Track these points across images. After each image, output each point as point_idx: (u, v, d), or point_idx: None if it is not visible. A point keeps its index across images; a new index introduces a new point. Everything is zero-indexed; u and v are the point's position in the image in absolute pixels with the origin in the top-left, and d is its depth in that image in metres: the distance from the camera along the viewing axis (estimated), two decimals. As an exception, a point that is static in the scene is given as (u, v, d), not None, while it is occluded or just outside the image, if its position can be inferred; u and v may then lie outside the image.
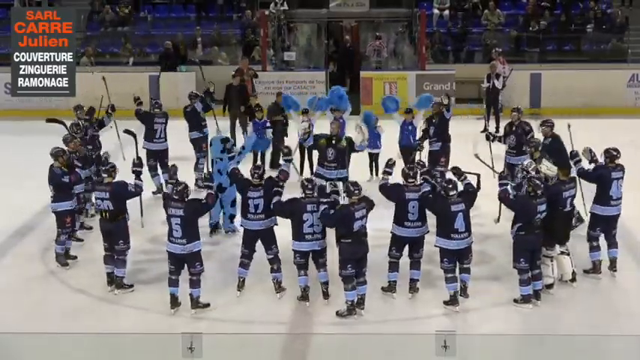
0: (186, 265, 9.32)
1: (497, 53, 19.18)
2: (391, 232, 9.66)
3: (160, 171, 13.38)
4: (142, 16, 23.07)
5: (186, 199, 9.23)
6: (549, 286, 9.65)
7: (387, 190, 9.63)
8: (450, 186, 9.32)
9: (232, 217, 11.56)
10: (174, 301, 9.38)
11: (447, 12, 22.05)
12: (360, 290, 9.27)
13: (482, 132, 17.90)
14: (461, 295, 9.49)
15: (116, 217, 9.87)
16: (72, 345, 7.89)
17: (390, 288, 9.75)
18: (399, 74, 20.23)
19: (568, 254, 9.89)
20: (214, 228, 11.67)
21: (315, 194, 9.36)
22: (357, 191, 9.10)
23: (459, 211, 9.26)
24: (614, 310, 9.36)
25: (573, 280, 9.88)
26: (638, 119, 18.64)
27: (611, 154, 10.23)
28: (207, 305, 9.41)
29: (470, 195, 9.52)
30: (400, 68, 20.86)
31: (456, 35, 21.94)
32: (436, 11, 22.00)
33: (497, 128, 17.88)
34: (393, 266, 9.73)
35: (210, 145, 11.79)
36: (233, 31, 22.24)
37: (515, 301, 9.42)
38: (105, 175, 10.00)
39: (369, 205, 9.24)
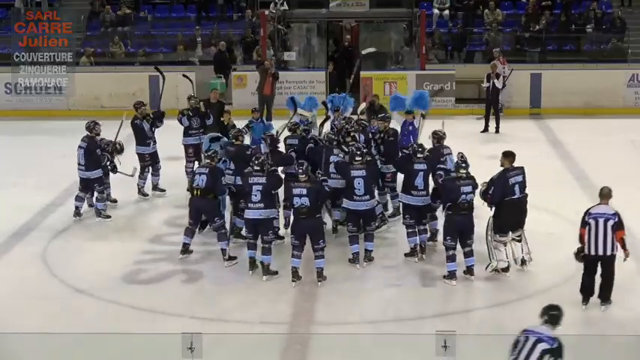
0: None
1: (498, 53, 19.17)
2: (343, 207, 10.59)
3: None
4: (142, 15, 23.05)
5: (266, 170, 10.17)
6: (505, 269, 10.10)
7: (336, 168, 10.79)
8: (420, 149, 10.55)
9: None
10: (252, 264, 10.23)
11: (447, 12, 22.04)
12: (317, 264, 9.95)
13: (482, 132, 17.98)
14: (421, 254, 10.57)
15: (207, 193, 10.47)
16: (72, 345, 7.87)
17: (354, 259, 10.47)
18: (399, 74, 20.20)
19: (519, 241, 10.19)
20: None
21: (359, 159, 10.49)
22: (300, 170, 9.94)
23: (420, 171, 10.40)
24: (622, 310, 9.32)
25: (523, 263, 10.23)
26: (638, 119, 18.63)
27: (461, 162, 10.18)
28: (276, 273, 10.09)
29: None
30: (400, 68, 20.85)
31: (456, 35, 21.92)
32: (436, 11, 21.97)
33: (497, 128, 17.88)
34: (353, 239, 10.48)
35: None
36: (233, 31, 22.22)
37: (444, 277, 9.98)
38: (207, 161, 10.76)
39: (316, 186, 9.95)
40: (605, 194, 9.30)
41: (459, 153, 10.40)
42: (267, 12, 20.41)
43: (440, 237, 10.60)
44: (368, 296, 9.60)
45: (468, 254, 10.01)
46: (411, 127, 13.30)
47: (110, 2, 22.77)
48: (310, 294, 9.71)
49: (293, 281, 9.93)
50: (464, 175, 9.89)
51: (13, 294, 9.91)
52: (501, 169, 10.05)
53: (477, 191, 10.01)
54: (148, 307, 9.46)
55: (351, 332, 8.82)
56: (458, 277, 9.99)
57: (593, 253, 9.11)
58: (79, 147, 12.26)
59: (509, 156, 10.13)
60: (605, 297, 9.26)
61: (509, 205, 9.95)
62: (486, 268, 10.10)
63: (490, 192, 9.91)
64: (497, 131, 17.88)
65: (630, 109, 19.48)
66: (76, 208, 12.21)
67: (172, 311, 9.33)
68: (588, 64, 20.34)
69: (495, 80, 17.79)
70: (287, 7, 20.82)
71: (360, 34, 21.55)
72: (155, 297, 9.70)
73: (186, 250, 10.74)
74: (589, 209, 9.30)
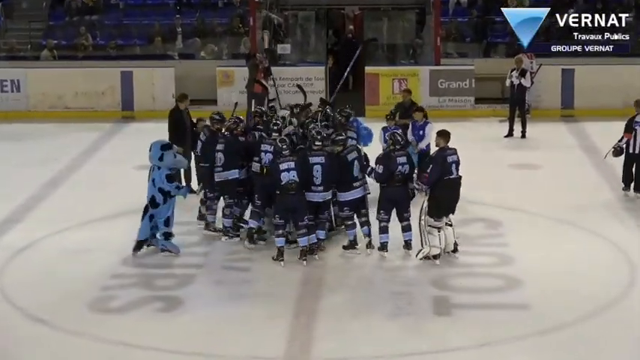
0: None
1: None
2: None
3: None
4: (113, 3, 23.07)
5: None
6: (436, 257, 11.06)
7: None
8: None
9: (168, 235, 11.58)
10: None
11: (465, -2, 22.11)
12: (301, 242, 11.08)
13: (506, 136, 17.95)
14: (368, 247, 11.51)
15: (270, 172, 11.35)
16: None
17: (305, 252, 11.22)
18: (411, 70, 20.23)
19: (451, 225, 11.21)
20: (139, 245, 11.61)
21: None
22: (284, 146, 11.03)
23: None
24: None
25: (455, 250, 11.24)
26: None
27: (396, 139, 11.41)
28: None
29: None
30: (412, 63, 20.85)
31: (476, 25, 21.93)
32: (453, -3, 22.05)
33: (523, 132, 17.86)
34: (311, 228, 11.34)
35: (150, 150, 11.57)
36: (218, 21, 22.24)
37: (378, 249, 11.33)
38: (275, 134, 11.61)
39: (301, 159, 11.02)
40: None
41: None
42: (258, -1, 20.43)
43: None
44: (373, 327, 9.55)
45: (406, 228, 11.31)
46: (421, 132, 13.45)
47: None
48: (306, 325, 9.68)
49: (281, 260, 11.08)
50: (398, 147, 11.24)
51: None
52: (437, 148, 11.18)
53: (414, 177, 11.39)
54: (118, 339, 9.41)
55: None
56: (475, 304, 10.02)
57: (637, 151, 13.49)
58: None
59: (444, 135, 11.18)
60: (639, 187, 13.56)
61: (447, 184, 10.96)
62: (417, 254, 11.15)
63: (428, 171, 10.98)
64: (523, 136, 17.88)
65: (676, 110, 19.45)
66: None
67: (147, 344, 9.28)
68: (627, 57, 20.35)
69: (522, 77, 17.77)
70: (281, -7, 20.88)
71: (365, 24, 21.58)
72: (127, 328, 9.65)
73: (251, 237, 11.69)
74: (634, 117, 13.63)
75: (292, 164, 10.95)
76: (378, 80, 19.75)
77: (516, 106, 17.95)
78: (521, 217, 12.79)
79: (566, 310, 9.82)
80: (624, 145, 13.61)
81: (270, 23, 20.72)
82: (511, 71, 17.92)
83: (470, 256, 11.33)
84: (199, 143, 12.36)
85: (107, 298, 10.41)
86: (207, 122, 12.65)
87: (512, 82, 17.82)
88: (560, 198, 13.64)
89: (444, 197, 11.02)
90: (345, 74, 16.25)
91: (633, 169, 13.65)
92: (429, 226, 11.02)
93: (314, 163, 11.14)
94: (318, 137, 11.31)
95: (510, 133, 17.97)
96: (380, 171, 11.19)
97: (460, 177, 11.12)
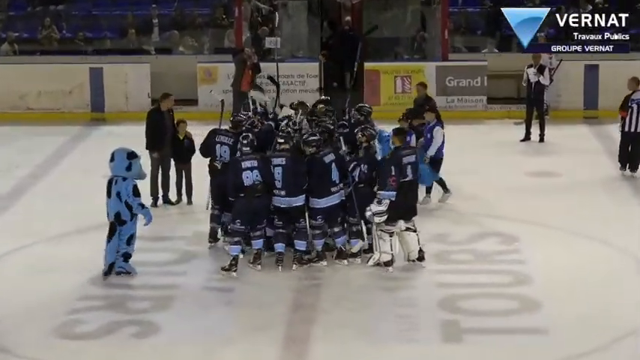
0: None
1: (542, 38, 19.22)
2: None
3: None
4: (81, -9, 23.12)
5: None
6: (387, 264, 11.38)
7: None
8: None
9: (128, 256, 11.52)
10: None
11: (476, -14, 22.16)
12: (256, 245, 11.46)
13: (522, 140, 17.98)
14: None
15: None
16: None
17: (276, 260, 11.51)
18: (415, 66, 20.27)
19: (414, 231, 11.52)
20: (110, 269, 11.50)
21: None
22: (245, 142, 11.29)
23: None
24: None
25: (421, 259, 11.53)
26: None
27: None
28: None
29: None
30: (416, 58, 20.87)
31: (489, 16, 21.97)
32: (463, -15, 22.12)
33: (541, 136, 17.91)
34: (278, 237, 11.61)
35: (112, 159, 11.40)
36: (199, 11, 22.26)
37: (350, 255, 11.67)
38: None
39: (264, 158, 11.30)
40: (637, 81, 15.33)
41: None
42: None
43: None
44: (374, 354, 9.57)
45: (371, 230, 11.58)
46: (429, 135, 13.49)
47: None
48: (298, 354, 9.69)
49: (234, 271, 11.29)
50: (372, 143, 11.81)
51: None
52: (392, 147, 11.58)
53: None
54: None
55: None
56: (487, 328, 10.03)
57: (632, 130, 15.07)
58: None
59: (400, 134, 11.75)
60: (634, 166, 15.23)
61: (402, 187, 11.28)
62: (368, 261, 11.51)
63: (392, 174, 11.15)
64: (541, 140, 17.93)
65: None
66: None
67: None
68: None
69: (540, 74, 17.83)
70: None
71: (364, 15, 21.60)
72: (98, 355, 9.66)
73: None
74: (630, 96, 15.23)
75: (255, 162, 11.19)
76: (379, 78, 19.78)
77: (534, 106, 18.01)
78: (539, 231, 12.81)
79: (586, 336, 9.81)
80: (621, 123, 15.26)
81: (258, 14, 20.77)
82: (528, 67, 18.01)
83: (483, 275, 11.38)
84: (225, 148, 12.14)
85: (75, 322, 10.38)
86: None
87: (529, 79, 17.92)
88: (583, 210, 13.67)
89: (400, 201, 11.27)
90: (354, 74, 16.05)
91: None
92: (380, 230, 11.34)
93: (275, 164, 11.31)
94: (281, 135, 11.55)
95: (527, 137, 18.01)
96: (366, 171, 11.51)
97: (416, 179, 11.61)
